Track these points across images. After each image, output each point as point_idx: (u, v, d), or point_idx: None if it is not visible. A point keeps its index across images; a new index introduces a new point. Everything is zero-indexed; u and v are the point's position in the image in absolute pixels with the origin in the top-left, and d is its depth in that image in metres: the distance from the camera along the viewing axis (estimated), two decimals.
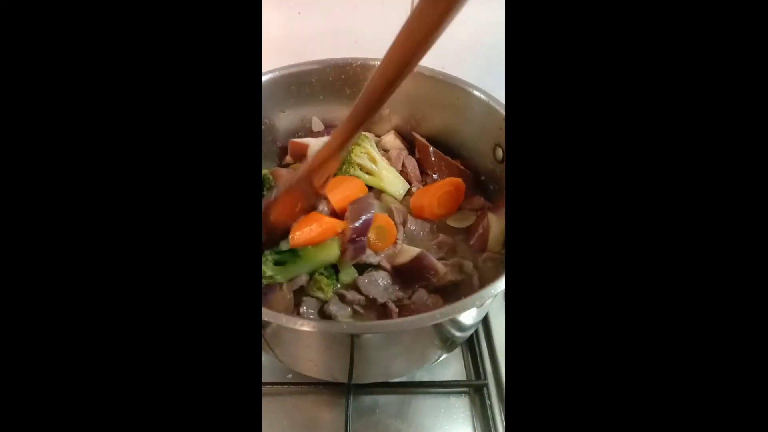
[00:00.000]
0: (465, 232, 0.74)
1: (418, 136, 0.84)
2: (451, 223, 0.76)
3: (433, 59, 0.91)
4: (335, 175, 0.75)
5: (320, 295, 0.65)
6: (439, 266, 0.65)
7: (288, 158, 0.84)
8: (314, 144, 0.79)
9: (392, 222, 0.71)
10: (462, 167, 0.80)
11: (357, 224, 0.65)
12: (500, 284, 0.51)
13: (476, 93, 0.74)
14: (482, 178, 0.79)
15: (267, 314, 0.48)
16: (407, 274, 0.66)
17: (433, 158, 0.81)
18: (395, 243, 0.69)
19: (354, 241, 0.65)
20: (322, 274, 0.65)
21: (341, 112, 0.83)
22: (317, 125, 0.85)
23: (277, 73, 0.76)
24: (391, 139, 0.85)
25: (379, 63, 0.72)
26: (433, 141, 0.83)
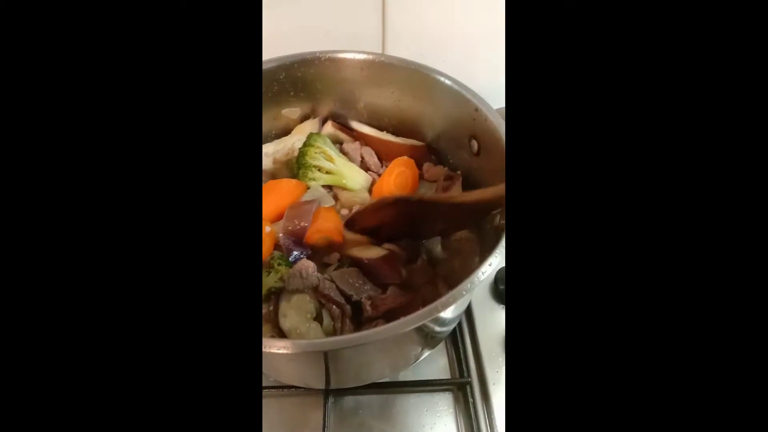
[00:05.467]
0: None
1: (357, 125, 0.82)
2: None
3: (408, 48, 0.89)
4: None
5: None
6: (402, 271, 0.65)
7: None
8: None
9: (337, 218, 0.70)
10: (410, 142, 0.80)
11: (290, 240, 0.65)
12: (479, 275, 0.49)
13: (445, 81, 0.70)
14: (458, 172, 0.76)
15: None
16: (370, 272, 0.65)
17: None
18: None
19: (290, 251, 0.65)
20: (280, 264, 0.63)
21: (313, 107, 0.82)
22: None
23: None
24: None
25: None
26: (411, 133, 0.81)
